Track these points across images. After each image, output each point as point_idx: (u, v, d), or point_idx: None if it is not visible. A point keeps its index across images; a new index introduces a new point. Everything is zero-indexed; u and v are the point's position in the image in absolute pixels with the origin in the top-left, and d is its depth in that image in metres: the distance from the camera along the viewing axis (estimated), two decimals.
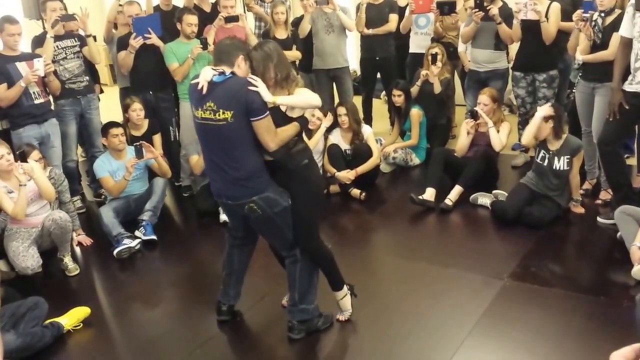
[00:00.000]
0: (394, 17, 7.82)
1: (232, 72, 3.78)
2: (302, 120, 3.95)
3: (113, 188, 6.04)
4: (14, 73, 5.78)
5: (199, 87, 3.76)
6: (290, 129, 3.85)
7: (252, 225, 4.08)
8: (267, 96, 3.70)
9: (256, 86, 3.67)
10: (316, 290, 4.18)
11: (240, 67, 3.83)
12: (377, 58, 8.00)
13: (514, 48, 7.08)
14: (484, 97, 6.34)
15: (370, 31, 7.84)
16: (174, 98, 6.99)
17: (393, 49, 8.04)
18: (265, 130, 3.72)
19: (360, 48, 8.32)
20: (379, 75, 8.35)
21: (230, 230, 4.34)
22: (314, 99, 3.97)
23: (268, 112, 3.70)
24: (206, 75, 3.78)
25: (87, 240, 5.92)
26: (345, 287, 4.30)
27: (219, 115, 3.70)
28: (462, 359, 3.84)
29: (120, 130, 6.10)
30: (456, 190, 6.10)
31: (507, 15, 6.69)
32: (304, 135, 4.18)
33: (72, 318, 4.50)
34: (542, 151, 5.61)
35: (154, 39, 6.56)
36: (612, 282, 4.66)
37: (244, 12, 8.54)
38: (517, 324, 4.15)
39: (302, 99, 3.90)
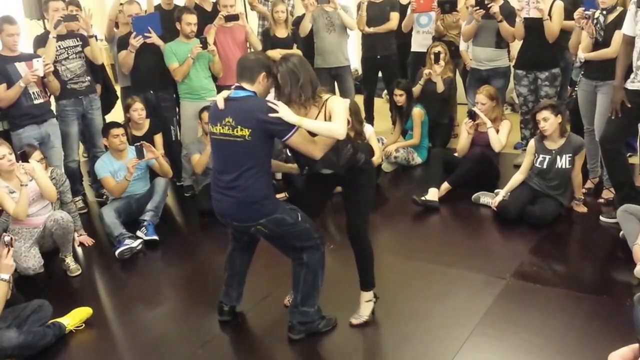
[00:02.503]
0: (395, 16, 7.82)
1: (254, 92, 3.77)
2: None
3: (114, 188, 6.04)
4: (13, 73, 5.78)
5: (217, 103, 3.78)
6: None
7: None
8: (292, 118, 3.64)
9: (277, 111, 3.62)
10: (319, 294, 4.16)
11: (262, 84, 3.81)
12: (379, 56, 8.00)
13: (515, 46, 7.06)
14: (481, 96, 6.34)
15: (371, 29, 7.84)
16: (175, 98, 6.99)
17: (394, 48, 8.03)
18: (302, 143, 3.75)
19: (361, 46, 8.32)
20: (380, 74, 8.34)
21: (234, 234, 4.34)
22: (338, 130, 3.73)
23: (296, 127, 3.66)
24: (223, 94, 3.81)
25: (88, 241, 5.91)
26: (372, 292, 4.31)
27: (237, 131, 3.69)
28: (464, 359, 3.84)
29: (121, 131, 6.09)
30: (443, 187, 6.19)
31: (508, 13, 6.68)
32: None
33: (74, 318, 4.50)
34: (541, 155, 5.60)
35: (154, 38, 6.56)
36: (614, 281, 4.65)
37: (245, 10, 8.55)
38: (519, 323, 4.14)
39: (327, 129, 3.74)
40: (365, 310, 4.28)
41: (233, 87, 3.86)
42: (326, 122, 3.80)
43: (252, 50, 7.11)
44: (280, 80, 3.81)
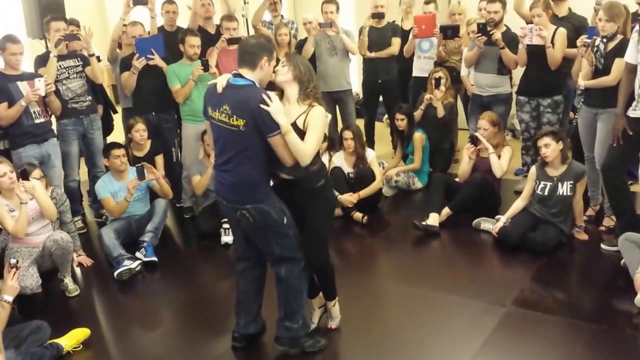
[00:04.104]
0: (396, 41, 7.86)
1: (253, 82, 3.77)
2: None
3: (114, 209, 6.03)
4: (15, 92, 5.78)
5: (218, 88, 3.80)
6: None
7: (244, 230, 4.06)
8: (281, 119, 3.67)
9: (268, 105, 3.64)
10: (304, 309, 4.17)
11: (264, 69, 3.81)
12: (380, 81, 8.03)
13: (517, 73, 7.08)
14: (483, 122, 6.35)
15: (373, 54, 7.87)
16: (176, 119, 7.00)
17: (395, 72, 8.06)
18: (282, 146, 3.73)
19: (362, 71, 8.35)
20: (381, 99, 8.36)
21: (236, 251, 4.32)
22: (306, 158, 3.78)
23: (280, 130, 3.68)
24: (223, 80, 3.82)
25: (87, 261, 5.89)
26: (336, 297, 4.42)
27: (233, 120, 3.71)
28: None
29: (121, 152, 6.09)
30: (444, 212, 6.18)
31: (510, 39, 6.69)
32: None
33: (71, 339, 4.48)
34: (542, 182, 5.60)
35: (156, 60, 6.57)
36: (615, 310, 4.62)
37: (248, 33, 8.59)
38: (519, 351, 4.12)
39: (299, 150, 3.75)
40: (335, 312, 4.44)
41: (232, 73, 3.85)
42: (302, 143, 3.77)
43: None
44: (298, 66, 3.87)
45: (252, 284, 4.29)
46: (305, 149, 3.77)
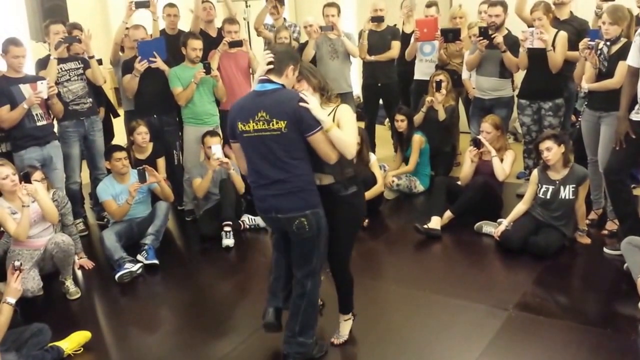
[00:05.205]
0: (396, 44, 7.87)
1: (283, 85, 3.78)
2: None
3: (116, 212, 6.02)
4: (17, 95, 5.77)
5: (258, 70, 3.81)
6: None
7: (293, 241, 3.95)
8: (322, 115, 3.69)
9: (307, 102, 3.65)
10: (316, 324, 4.14)
11: (289, 77, 3.80)
12: (379, 84, 8.04)
13: (519, 76, 7.07)
14: (486, 125, 6.35)
15: (372, 57, 7.87)
16: (178, 122, 7.00)
17: (395, 76, 8.08)
18: (324, 142, 3.72)
19: (362, 74, 8.34)
20: (381, 102, 8.35)
21: (274, 241, 4.27)
22: (352, 150, 3.83)
23: (321, 126, 3.68)
24: (261, 70, 3.81)
25: (88, 264, 5.87)
26: (351, 313, 4.34)
27: (273, 124, 3.67)
28: None
29: (123, 154, 6.09)
30: (445, 215, 6.17)
31: (512, 43, 6.68)
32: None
33: (72, 342, 4.47)
34: (544, 186, 5.59)
35: (159, 63, 6.58)
36: (618, 314, 4.62)
37: (249, 36, 8.59)
38: (522, 356, 4.11)
39: (344, 143, 3.76)
40: (344, 329, 4.34)
41: (259, 79, 3.82)
42: (345, 135, 3.78)
43: (254, 76, 7.12)
44: (309, 77, 3.91)
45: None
46: (350, 140, 3.79)
